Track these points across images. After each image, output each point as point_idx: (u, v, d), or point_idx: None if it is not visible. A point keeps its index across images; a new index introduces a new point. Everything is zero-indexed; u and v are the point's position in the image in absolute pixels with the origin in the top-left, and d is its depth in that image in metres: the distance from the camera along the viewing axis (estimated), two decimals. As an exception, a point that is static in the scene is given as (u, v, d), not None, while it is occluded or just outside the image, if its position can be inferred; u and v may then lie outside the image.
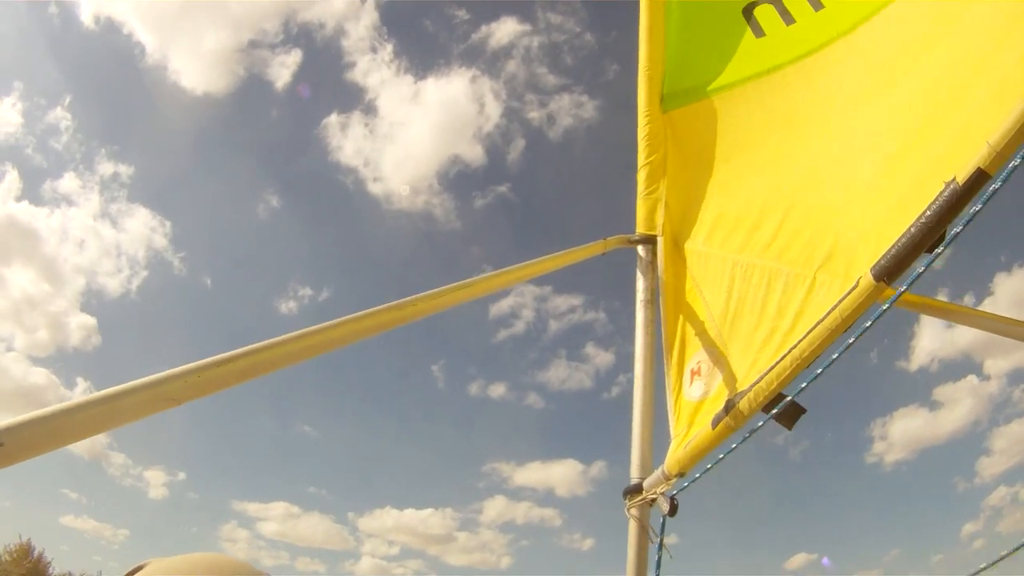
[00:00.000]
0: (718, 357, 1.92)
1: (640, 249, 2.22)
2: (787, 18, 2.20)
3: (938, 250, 1.32)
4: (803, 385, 1.58)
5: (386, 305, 1.42)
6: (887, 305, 1.42)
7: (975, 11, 1.57)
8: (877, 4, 1.92)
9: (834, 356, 1.52)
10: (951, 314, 1.34)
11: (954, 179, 1.24)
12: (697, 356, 2.01)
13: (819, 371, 1.55)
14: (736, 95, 2.26)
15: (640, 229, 2.24)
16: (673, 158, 2.34)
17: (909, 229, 1.31)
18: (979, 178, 1.21)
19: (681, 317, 2.11)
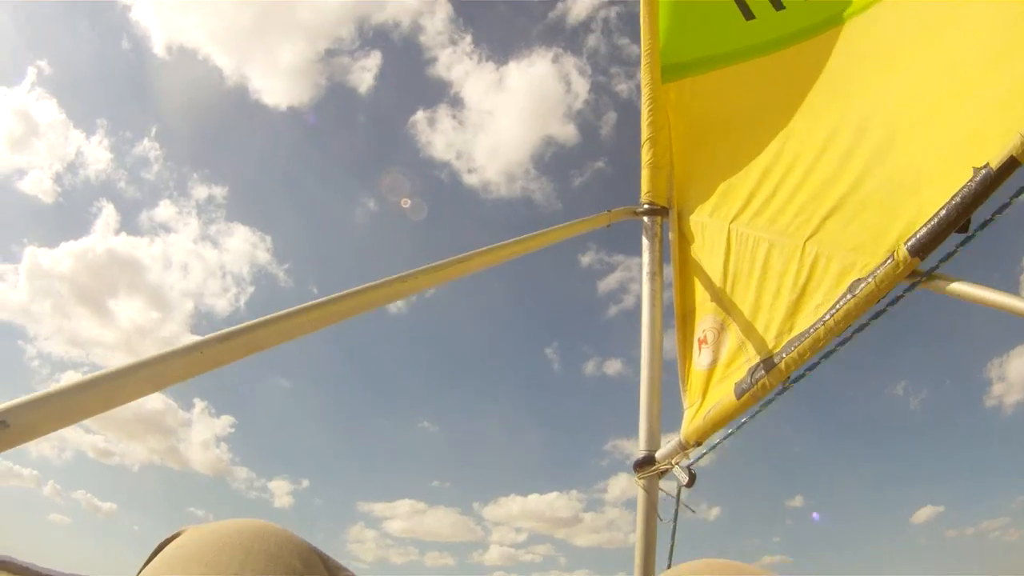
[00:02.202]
0: (724, 325, 1.94)
1: (646, 220, 2.20)
2: (776, 3, 2.19)
3: (970, 233, 1.36)
4: (815, 361, 1.61)
5: (385, 279, 1.40)
6: (917, 282, 1.44)
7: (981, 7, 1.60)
8: None
9: (860, 326, 1.54)
10: (983, 298, 1.37)
11: (987, 165, 1.28)
12: (703, 326, 2.02)
13: (833, 347, 1.58)
14: (731, 73, 2.26)
15: (645, 200, 2.22)
16: (675, 131, 2.33)
17: (941, 210, 1.35)
18: (1011, 165, 1.26)
19: (688, 288, 2.12)
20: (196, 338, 1.04)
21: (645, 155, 2.25)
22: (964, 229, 1.33)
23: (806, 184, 1.82)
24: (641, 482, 2.02)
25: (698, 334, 2.02)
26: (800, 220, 1.78)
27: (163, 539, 0.75)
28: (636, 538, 2.00)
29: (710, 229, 2.06)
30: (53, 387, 0.81)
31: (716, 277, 2.00)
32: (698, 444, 1.88)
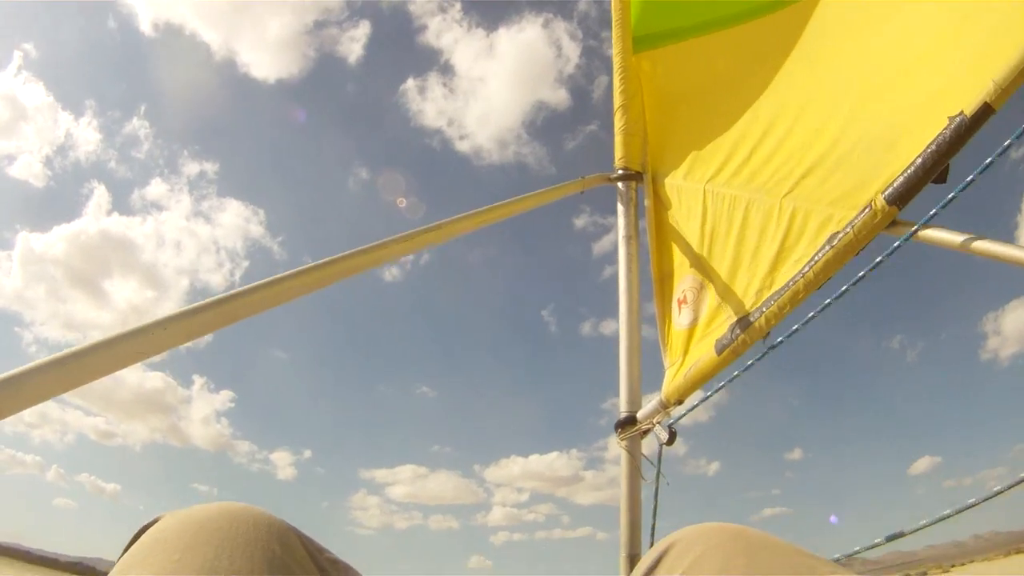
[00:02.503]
0: (704, 285, 1.97)
1: (620, 186, 2.22)
2: None
3: (959, 185, 1.38)
4: (810, 314, 1.64)
5: (349, 251, 1.43)
6: (905, 238, 1.47)
7: None
8: None
9: (844, 288, 1.57)
10: (970, 247, 1.42)
11: (961, 112, 1.32)
12: (682, 285, 2.06)
13: (827, 302, 1.61)
14: (704, 43, 2.28)
15: (619, 166, 2.23)
16: (647, 99, 2.34)
17: (918, 158, 1.38)
18: (985, 111, 1.29)
19: (665, 250, 2.15)
20: (171, 311, 1.03)
21: (618, 122, 2.26)
22: (942, 179, 1.37)
23: (784, 145, 1.85)
24: (623, 443, 2.05)
25: (677, 295, 2.06)
26: (778, 178, 1.81)
27: (141, 525, 0.74)
28: (621, 498, 2.03)
29: (686, 191, 2.09)
30: (16, 369, 0.81)
31: (693, 238, 2.03)
32: (679, 403, 1.92)
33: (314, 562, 0.74)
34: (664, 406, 1.94)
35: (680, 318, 2.01)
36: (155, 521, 0.73)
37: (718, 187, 1.97)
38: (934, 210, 1.36)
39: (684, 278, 2.03)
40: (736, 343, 1.71)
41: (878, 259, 1.45)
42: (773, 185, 1.80)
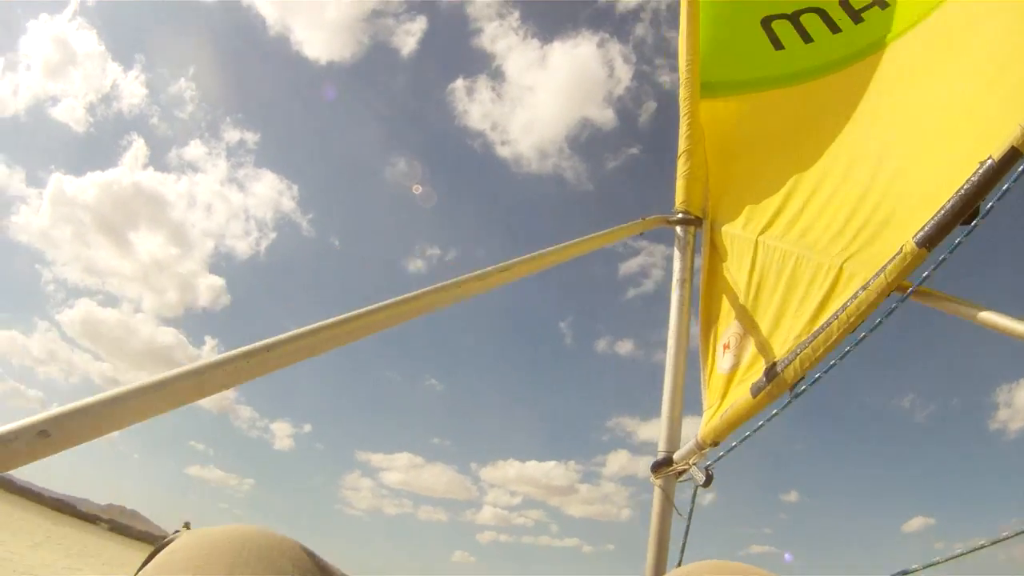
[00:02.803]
0: (747, 330, 1.98)
1: (678, 229, 2.28)
2: (805, 37, 2.28)
3: (974, 222, 1.39)
4: (832, 363, 1.63)
5: (400, 298, 1.36)
6: (909, 292, 1.47)
7: (996, 23, 1.65)
8: (900, 28, 2.01)
9: (862, 335, 1.56)
10: (974, 315, 1.40)
11: (990, 157, 1.33)
12: (727, 331, 2.07)
13: (845, 351, 1.59)
14: (763, 98, 2.35)
15: (679, 209, 2.29)
16: (709, 145, 2.41)
17: (948, 201, 1.39)
18: (1013, 155, 1.31)
19: (715, 296, 2.17)
20: (226, 353, 1.04)
21: (682, 166, 2.33)
22: (970, 220, 1.36)
23: (833, 202, 1.88)
24: (658, 481, 2.05)
25: (722, 340, 2.07)
26: (829, 236, 1.83)
27: (157, 544, 0.79)
28: (650, 536, 2.03)
29: (739, 241, 2.12)
30: (91, 398, 0.85)
31: (742, 286, 2.05)
32: (715, 444, 1.91)
33: None
34: (700, 447, 1.94)
35: (722, 362, 2.02)
36: (171, 540, 0.78)
37: (770, 240, 2.00)
38: (927, 271, 1.38)
39: (730, 324, 2.05)
40: (771, 386, 1.71)
41: (894, 305, 1.45)
42: (824, 244, 1.82)
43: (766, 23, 2.36)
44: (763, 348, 1.87)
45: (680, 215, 2.29)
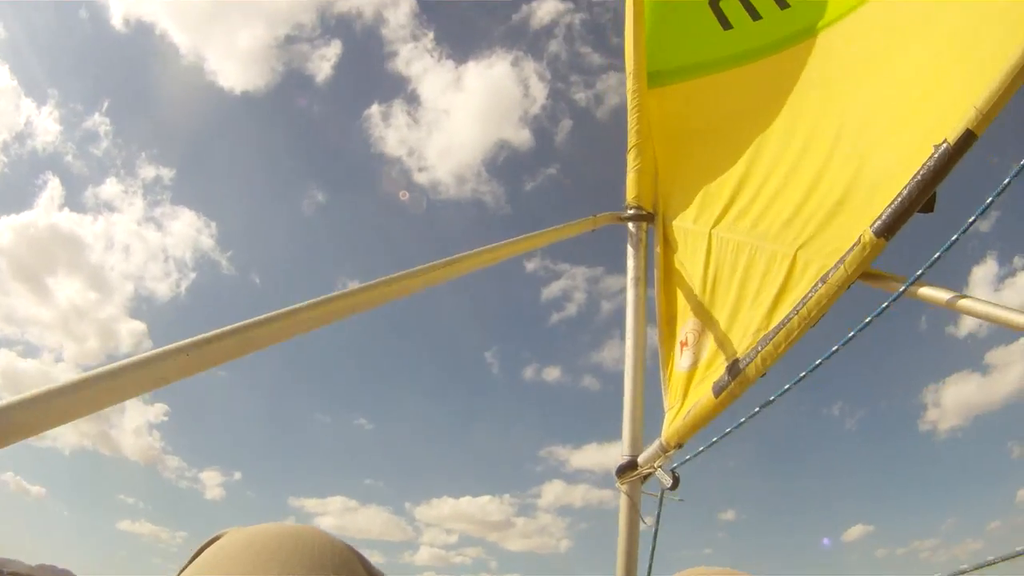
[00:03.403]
0: (705, 328, 1.93)
1: (631, 226, 2.22)
2: (753, 14, 2.23)
3: (953, 237, 1.34)
4: (802, 375, 1.56)
5: (371, 282, 1.40)
6: (902, 288, 1.43)
7: (953, 4, 1.63)
8: (849, 5, 1.97)
9: (835, 348, 1.51)
10: (958, 306, 1.37)
11: (945, 140, 1.30)
12: (684, 328, 2.02)
13: (818, 362, 1.54)
14: (710, 82, 2.30)
15: (631, 205, 2.24)
16: (658, 137, 2.36)
17: (907, 188, 1.35)
18: (968, 138, 1.27)
19: (671, 292, 2.12)
20: (188, 339, 1.03)
21: (632, 161, 2.27)
22: (929, 208, 1.33)
23: (785, 190, 1.84)
24: (624, 487, 1.99)
25: (680, 337, 2.02)
26: (780, 224, 1.79)
27: (203, 542, 0.75)
28: (618, 544, 1.96)
29: (692, 234, 2.07)
30: (48, 386, 0.82)
31: (697, 281, 2.00)
32: (679, 446, 1.86)
33: None
34: (664, 449, 1.88)
35: (681, 361, 1.96)
36: (217, 538, 0.74)
37: (723, 231, 1.95)
38: (921, 269, 1.33)
39: (687, 321, 2.00)
40: (732, 385, 1.66)
41: (868, 317, 1.40)
42: (776, 232, 1.78)
43: (714, 2, 2.31)
44: (722, 344, 1.82)
45: (632, 211, 2.23)
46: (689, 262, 2.06)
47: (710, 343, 1.88)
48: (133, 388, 0.93)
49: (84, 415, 0.86)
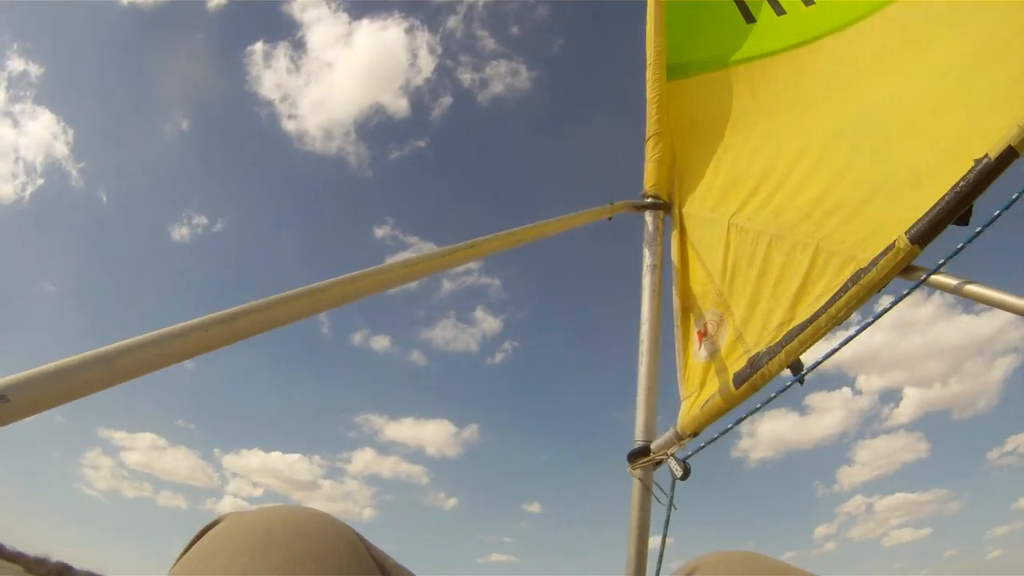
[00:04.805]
0: (723, 317, 1.96)
1: (647, 214, 2.23)
2: (777, 9, 2.24)
3: (977, 229, 1.37)
4: (808, 368, 1.61)
5: (368, 269, 1.30)
6: (924, 278, 1.46)
7: (990, 11, 1.64)
8: (877, 3, 1.98)
9: (853, 332, 1.55)
10: (983, 297, 1.40)
11: (986, 155, 1.31)
12: (702, 318, 2.04)
13: (827, 353, 1.58)
14: (732, 74, 2.30)
15: (649, 193, 2.24)
16: (675, 128, 2.36)
17: (945, 198, 1.37)
18: (1009, 155, 1.28)
19: (688, 282, 2.14)
20: (201, 318, 1.02)
21: (650, 150, 2.27)
22: (964, 221, 1.35)
23: (810, 182, 1.85)
24: (636, 472, 2.02)
25: (697, 327, 2.04)
26: (802, 215, 1.81)
27: (205, 525, 0.75)
28: (629, 530, 2.00)
29: (710, 223, 2.09)
30: (54, 363, 0.80)
31: (716, 270, 2.02)
32: (694, 435, 1.89)
33: (380, 569, 0.75)
34: (679, 438, 1.91)
35: (699, 350, 1.99)
36: (217, 521, 0.74)
37: (743, 221, 1.96)
38: (942, 260, 1.35)
39: (705, 311, 2.02)
40: (755, 377, 1.69)
41: (894, 299, 1.43)
42: (798, 223, 1.80)
43: None
44: (742, 335, 1.85)
45: (649, 199, 2.24)
46: (706, 252, 2.08)
47: (728, 333, 1.90)
48: (153, 363, 0.90)
49: (92, 392, 0.83)
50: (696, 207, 2.18)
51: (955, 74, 1.56)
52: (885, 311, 1.48)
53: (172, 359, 0.94)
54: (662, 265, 2.20)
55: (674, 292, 2.16)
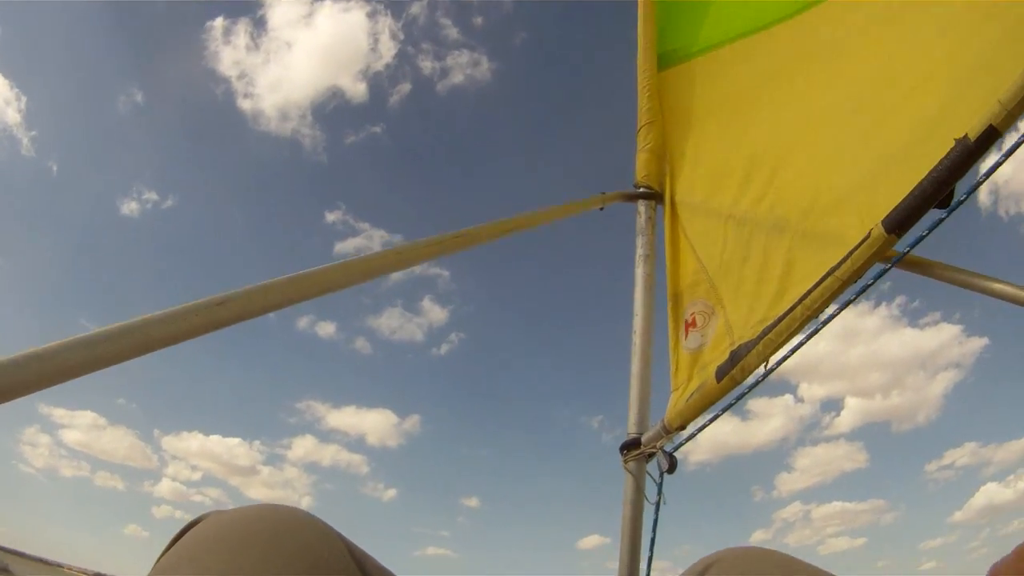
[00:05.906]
0: (712, 308, 1.93)
1: (640, 204, 2.20)
2: None
3: (949, 207, 1.32)
4: (784, 355, 1.58)
5: (362, 256, 1.29)
6: (892, 263, 1.43)
7: None
8: None
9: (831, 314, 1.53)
10: (956, 278, 1.35)
11: (966, 136, 1.25)
12: (691, 308, 2.02)
13: (802, 339, 1.55)
14: (718, 56, 2.26)
15: (641, 183, 2.21)
16: (667, 116, 2.32)
17: (921, 183, 1.31)
18: (990, 134, 1.22)
19: (678, 272, 2.11)
20: (198, 301, 0.99)
21: (642, 140, 2.25)
22: (945, 204, 1.29)
23: (800, 174, 1.81)
24: (629, 464, 2.02)
25: (687, 317, 2.02)
26: (789, 207, 1.77)
27: (184, 525, 0.75)
28: (622, 522, 1.99)
29: (701, 214, 2.06)
30: (40, 346, 0.79)
31: (706, 261, 1.99)
32: (681, 428, 1.87)
33: (360, 568, 0.74)
34: (667, 431, 1.90)
35: (688, 341, 1.97)
36: (198, 521, 0.74)
37: (734, 211, 1.93)
38: (910, 245, 1.30)
39: (694, 301, 1.99)
40: (735, 371, 1.66)
41: (868, 284, 1.39)
42: (787, 215, 1.76)
43: None
44: (728, 328, 1.82)
45: (641, 189, 2.21)
46: (697, 243, 2.05)
47: (717, 325, 1.88)
48: (146, 345, 0.89)
49: (79, 376, 0.82)
50: (689, 197, 2.14)
51: (933, 47, 1.49)
52: (849, 301, 1.46)
53: (145, 348, 0.90)
54: (654, 256, 2.17)
55: (667, 282, 2.13)
